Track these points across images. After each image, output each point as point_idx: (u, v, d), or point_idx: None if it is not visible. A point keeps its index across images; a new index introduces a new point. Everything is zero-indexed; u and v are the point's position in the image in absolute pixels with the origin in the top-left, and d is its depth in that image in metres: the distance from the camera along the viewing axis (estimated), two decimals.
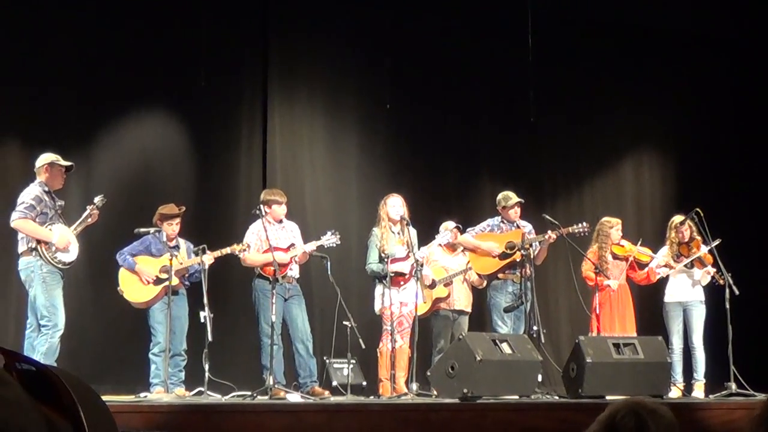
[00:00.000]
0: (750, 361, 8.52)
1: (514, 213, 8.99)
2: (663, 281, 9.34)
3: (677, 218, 9.32)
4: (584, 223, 8.91)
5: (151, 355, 7.97)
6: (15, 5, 9.20)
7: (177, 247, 8.19)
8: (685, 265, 9.15)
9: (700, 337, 9.12)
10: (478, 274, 8.91)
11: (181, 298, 8.13)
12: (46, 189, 7.43)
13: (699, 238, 9.12)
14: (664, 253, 9.34)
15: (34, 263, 7.27)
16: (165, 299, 7.91)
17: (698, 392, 8.99)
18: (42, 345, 7.15)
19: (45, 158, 7.56)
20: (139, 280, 8.03)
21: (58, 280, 7.34)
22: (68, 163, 7.61)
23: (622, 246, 9.28)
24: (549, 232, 8.68)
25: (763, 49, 11.64)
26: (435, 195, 10.60)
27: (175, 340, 7.96)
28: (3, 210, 8.29)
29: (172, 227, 8.18)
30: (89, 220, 7.63)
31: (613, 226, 9.31)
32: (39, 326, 7.25)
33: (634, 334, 8.83)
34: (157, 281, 7.99)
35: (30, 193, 7.35)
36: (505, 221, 9.03)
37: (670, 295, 9.28)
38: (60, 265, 7.34)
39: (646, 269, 9.32)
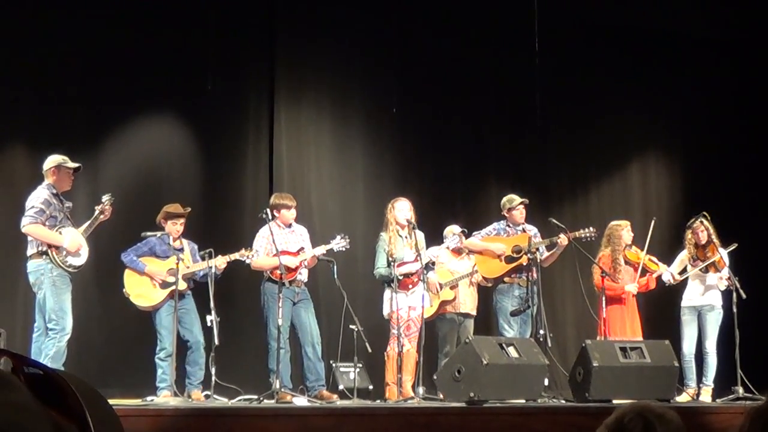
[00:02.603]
0: (757, 365, 8.50)
1: (520, 214, 8.98)
2: (680, 286, 9.30)
3: (703, 220, 9.27)
4: (591, 228, 8.87)
5: (157, 360, 7.96)
6: (21, 9, 9.22)
7: (181, 249, 8.18)
8: (701, 270, 9.13)
9: (713, 343, 9.09)
10: (484, 278, 8.91)
11: (187, 300, 8.12)
12: (54, 191, 7.39)
13: (716, 241, 9.08)
14: (683, 257, 9.31)
15: (44, 266, 7.25)
16: (171, 302, 7.89)
17: (705, 396, 8.98)
18: (50, 349, 7.14)
19: (52, 160, 7.52)
20: (147, 282, 8.01)
21: (67, 284, 7.33)
22: (76, 165, 7.58)
23: (634, 252, 9.24)
24: (561, 236, 8.66)
25: None
26: (441, 199, 10.60)
27: (192, 336, 7.96)
28: (10, 213, 8.31)
29: (177, 227, 8.15)
30: (102, 216, 7.60)
31: (623, 228, 9.29)
32: (47, 329, 7.25)
33: (640, 339, 8.81)
34: (164, 284, 7.99)
35: (39, 197, 7.32)
36: (511, 225, 9.01)
37: (687, 299, 9.26)
38: (70, 269, 7.33)
39: (647, 277, 9.26)
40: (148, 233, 8.10)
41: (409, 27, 10.68)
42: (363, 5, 10.61)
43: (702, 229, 9.13)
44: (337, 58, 10.48)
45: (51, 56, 9.24)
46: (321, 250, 8.31)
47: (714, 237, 9.09)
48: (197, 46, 9.55)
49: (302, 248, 8.28)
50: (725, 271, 8.98)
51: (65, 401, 0.99)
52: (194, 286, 8.19)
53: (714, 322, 9.12)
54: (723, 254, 9.01)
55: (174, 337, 7.77)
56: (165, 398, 7.65)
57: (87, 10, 9.43)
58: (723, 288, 9.09)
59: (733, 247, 8.96)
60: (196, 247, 8.27)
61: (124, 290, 8.03)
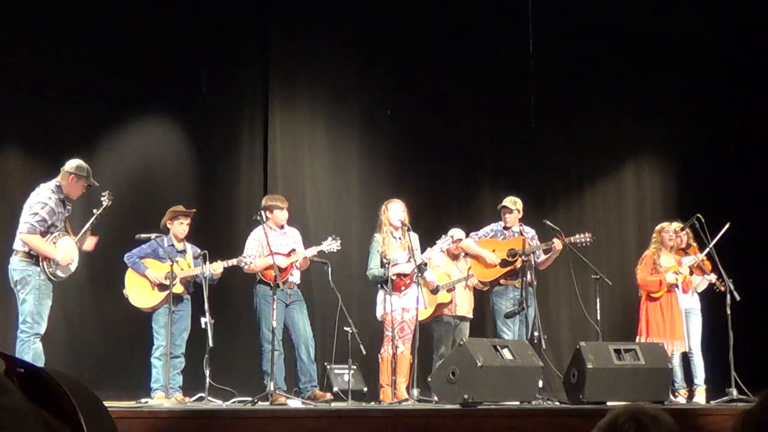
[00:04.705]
0: (751, 367, 8.50)
1: (505, 218, 8.92)
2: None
3: (675, 225, 9.31)
4: (587, 234, 8.83)
5: (153, 359, 7.96)
6: (16, 11, 9.20)
7: (184, 251, 8.18)
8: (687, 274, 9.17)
9: (698, 343, 9.16)
10: (480, 282, 8.90)
11: (185, 304, 8.12)
12: (62, 197, 7.32)
13: (695, 244, 9.14)
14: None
15: (32, 270, 7.22)
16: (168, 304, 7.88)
17: (699, 398, 9.00)
18: (26, 354, 7.08)
19: (76, 167, 7.42)
20: (146, 284, 8.01)
21: (49, 292, 7.31)
22: (95, 183, 7.52)
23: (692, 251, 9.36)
24: (554, 240, 8.64)
25: (763, 54, 11.65)
26: (436, 200, 10.61)
27: (174, 342, 7.95)
28: (3, 216, 8.28)
29: (183, 227, 8.16)
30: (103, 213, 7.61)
31: (661, 230, 9.32)
32: (18, 329, 7.22)
33: (684, 341, 8.90)
34: (163, 287, 7.97)
35: (44, 204, 7.23)
36: (507, 227, 8.99)
37: None
38: (54, 278, 7.32)
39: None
40: (143, 236, 8.08)
41: (404, 29, 10.68)
42: (357, 7, 10.61)
43: (685, 233, 9.19)
44: (331, 60, 10.48)
45: (45, 58, 9.22)
46: (312, 251, 8.31)
47: (692, 240, 9.15)
48: (192, 49, 9.54)
49: (293, 250, 8.28)
50: (712, 274, 9.01)
51: (58, 402, 0.99)
52: (194, 290, 8.16)
53: (697, 324, 9.21)
54: (702, 256, 9.03)
55: (169, 337, 7.76)
56: (159, 400, 7.64)
57: (82, 13, 9.42)
58: (702, 290, 9.18)
59: (726, 228, 8.92)
60: (198, 250, 8.26)
61: (124, 291, 8.04)
